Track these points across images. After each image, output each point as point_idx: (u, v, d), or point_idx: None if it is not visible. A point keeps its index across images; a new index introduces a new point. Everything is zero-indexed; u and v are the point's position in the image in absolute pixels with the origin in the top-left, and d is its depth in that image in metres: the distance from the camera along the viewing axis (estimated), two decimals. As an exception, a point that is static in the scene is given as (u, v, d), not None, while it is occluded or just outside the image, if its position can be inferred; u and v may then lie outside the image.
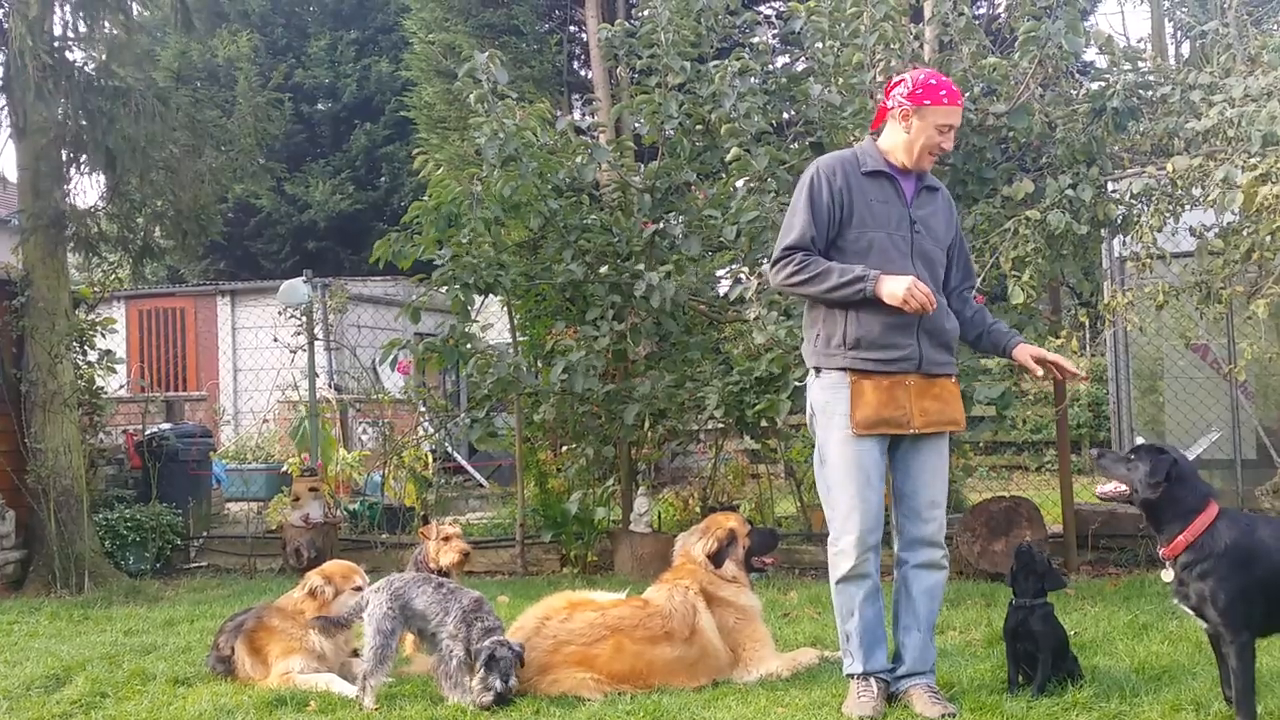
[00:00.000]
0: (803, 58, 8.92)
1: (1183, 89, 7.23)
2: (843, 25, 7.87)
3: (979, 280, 7.15)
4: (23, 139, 8.97)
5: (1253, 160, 6.41)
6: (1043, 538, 8.00)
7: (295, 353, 10.74)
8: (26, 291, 8.92)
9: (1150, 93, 7.47)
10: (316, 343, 10.92)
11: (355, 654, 5.46)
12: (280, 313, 11.38)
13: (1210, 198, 6.52)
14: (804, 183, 4.73)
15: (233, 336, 17.58)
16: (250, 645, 5.53)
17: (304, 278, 11.50)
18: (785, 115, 8.58)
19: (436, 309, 9.21)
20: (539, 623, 5.17)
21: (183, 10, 9.34)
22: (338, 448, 11.47)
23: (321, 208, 23.07)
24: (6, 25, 8.58)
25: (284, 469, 10.96)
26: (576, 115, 17.35)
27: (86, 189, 28.71)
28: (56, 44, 8.83)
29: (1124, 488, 4.30)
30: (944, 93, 4.64)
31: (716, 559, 5.43)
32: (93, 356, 9.59)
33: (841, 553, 4.63)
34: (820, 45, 8.05)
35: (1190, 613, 4.26)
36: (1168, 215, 6.90)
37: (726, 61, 8.00)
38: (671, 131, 8.50)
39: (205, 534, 10.28)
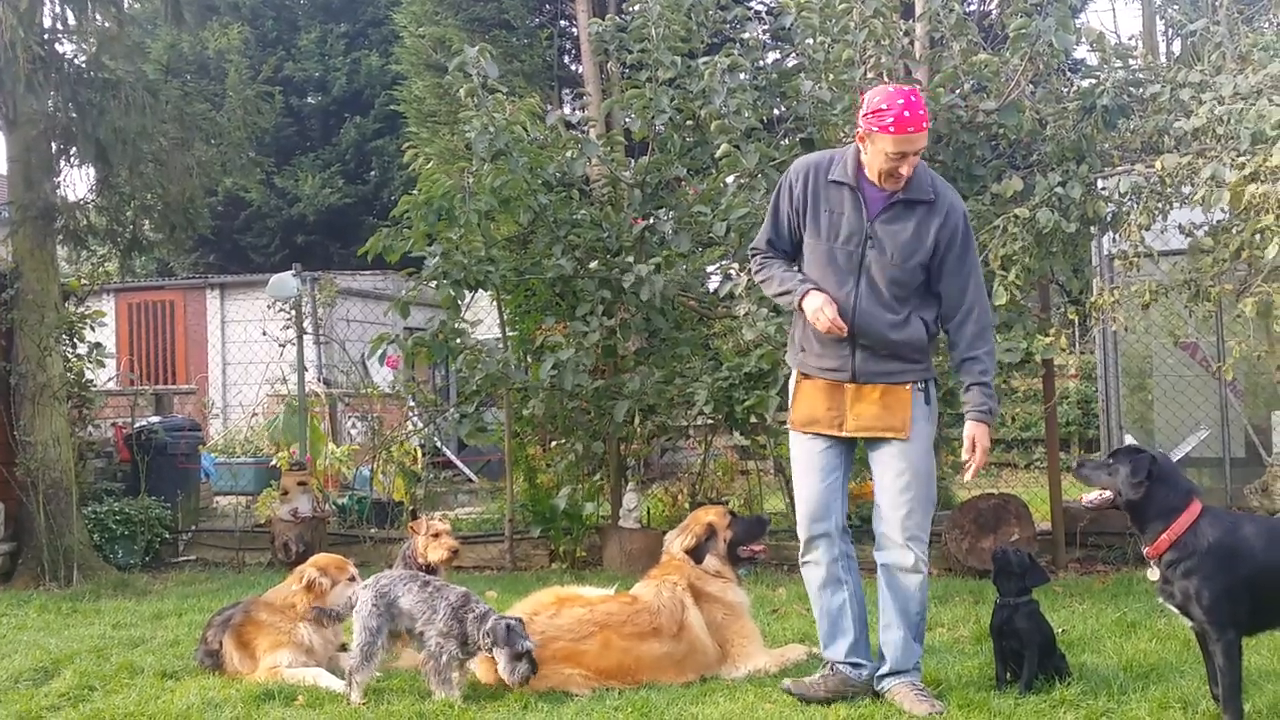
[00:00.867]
0: (793, 54, 8.93)
1: (1173, 87, 7.25)
2: (833, 21, 7.86)
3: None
4: (13, 130, 8.95)
5: (1241, 159, 6.42)
6: (1031, 535, 8.02)
7: (284, 346, 10.72)
8: (15, 284, 8.89)
9: (1140, 90, 7.49)
10: (306, 337, 10.90)
11: (343, 648, 5.46)
12: (269, 306, 11.37)
13: (1198, 195, 6.53)
14: (778, 184, 4.90)
15: (222, 330, 17.54)
16: (238, 639, 5.52)
17: (293, 271, 11.48)
18: (775, 111, 8.59)
19: (426, 304, 9.20)
20: (527, 618, 5.15)
21: (173, 3, 9.30)
22: (326, 442, 11.46)
23: (311, 201, 23.02)
24: (-4, 17, 8.54)
25: (273, 463, 10.93)
26: (567, 110, 17.36)
27: (76, 181, 28.58)
28: (46, 36, 8.79)
29: (1109, 494, 4.31)
30: (891, 120, 4.46)
31: (696, 554, 5.45)
32: (82, 349, 9.57)
33: (800, 540, 4.85)
34: (811, 41, 8.05)
35: (1176, 611, 4.28)
36: (1157, 213, 6.92)
37: (717, 57, 8.00)
38: (662, 127, 8.50)
39: (194, 528, 10.26)
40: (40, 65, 8.42)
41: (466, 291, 8.59)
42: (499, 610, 5.24)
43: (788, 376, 6.30)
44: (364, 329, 14.53)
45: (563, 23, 18.13)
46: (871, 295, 4.65)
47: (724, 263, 8.51)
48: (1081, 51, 9.52)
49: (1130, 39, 13.05)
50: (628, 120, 9.09)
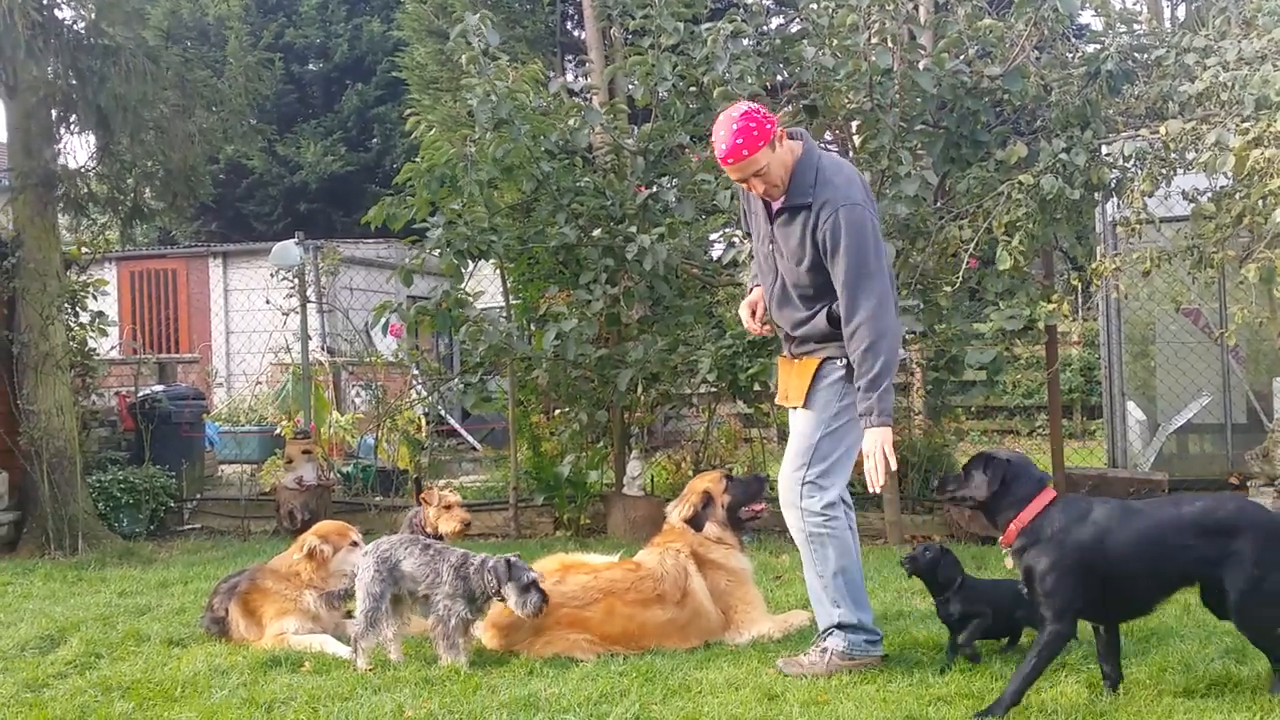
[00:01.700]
0: (797, 19, 8.87)
1: (1177, 52, 7.21)
2: (837, -14, 7.81)
3: (972, 245, 7.17)
4: (13, 98, 8.91)
5: (1245, 124, 6.39)
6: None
7: (288, 315, 10.72)
8: (17, 252, 8.89)
9: (1145, 56, 7.45)
10: (309, 305, 10.90)
11: (349, 615, 5.49)
12: (272, 275, 11.35)
13: (1203, 160, 6.51)
14: None
15: (225, 298, 17.54)
16: (244, 607, 5.56)
17: (296, 240, 11.46)
18: (779, 78, 8.54)
19: (429, 272, 9.20)
20: (532, 585, 5.20)
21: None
22: (331, 410, 11.48)
23: (313, 169, 22.96)
24: (-6, -17, 8.50)
25: (277, 431, 10.96)
26: (569, 76, 17.27)
27: (76, 149, 28.49)
28: (46, 1, 8.74)
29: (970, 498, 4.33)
30: (714, 151, 4.70)
31: (696, 523, 5.48)
32: (85, 318, 9.59)
33: None
34: (814, 7, 7.99)
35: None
36: (1161, 179, 6.89)
37: (720, 23, 7.95)
38: (665, 94, 8.46)
39: (199, 496, 10.30)
40: (39, 31, 8.38)
41: (470, 260, 8.58)
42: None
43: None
44: (367, 297, 14.51)
45: (565, -12, 18.02)
46: (783, 294, 4.86)
47: (727, 230, 8.48)
48: (1086, 16, 9.44)
49: (1135, 4, 12.99)
50: (631, 87, 9.04)
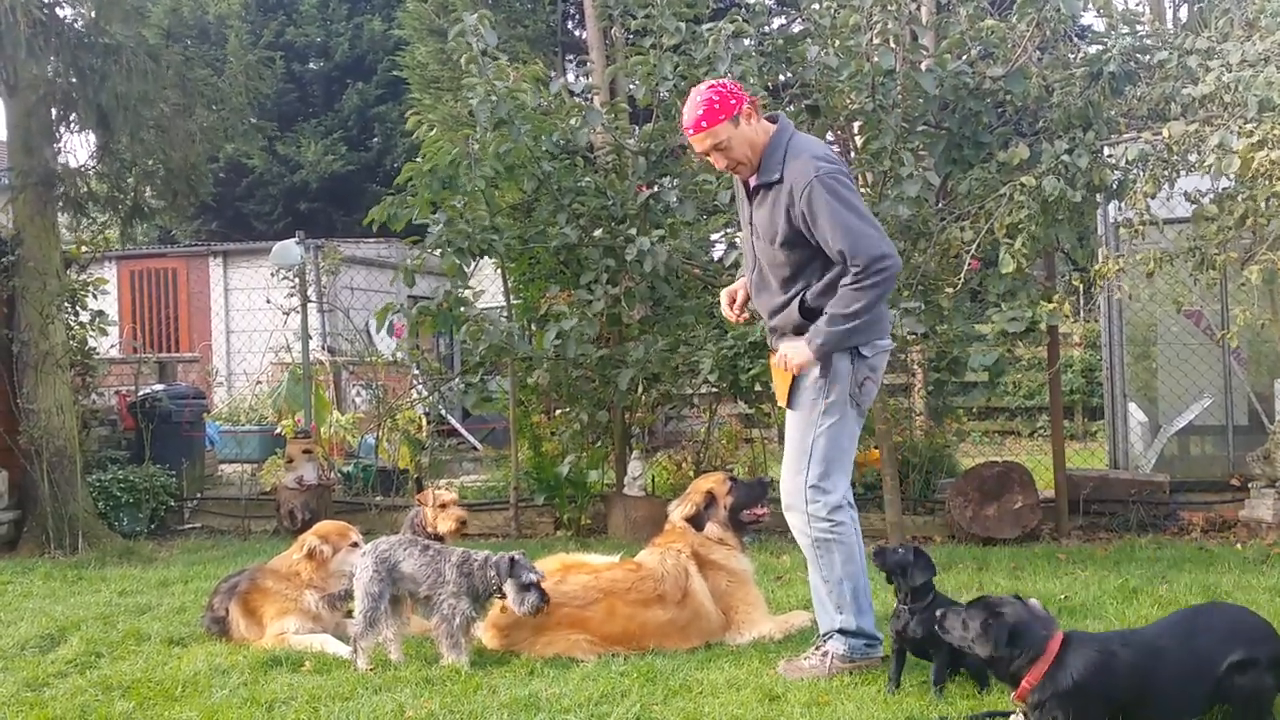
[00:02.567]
0: (799, 19, 8.86)
1: (1180, 53, 7.20)
2: (840, -14, 7.79)
3: (974, 246, 7.15)
4: (13, 96, 8.91)
5: (1249, 126, 6.38)
6: (1034, 502, 8.05)
7: (288, 315, 10.71)
8: (17, 251, 8.88)
9: (1147, 57, 7.44)
10: (310, 305, 10.89)
11: (349, 615, 5.49)
12: (273, 274, 11.35)
13: (1206, 163, 6.50)
14: None
15: (225, 298, 17.54)
16: (245, 606, 5.55)
17: (297, 239, 11.45)
18: (781, 78, 8.53)
19: (431, 272, 9.19)
20: (533, 585, 5.19)
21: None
22: (331, 410, 11.47)
23: (313, 168, 22.95)
24: (-5, -19, 8.49)
25: (278, 431, 10.96)
26: (570, 76, 17.26)
27: (77, 147, 28.47)
28: (47, 0, 8.74)
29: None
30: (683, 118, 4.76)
31: (697, 522, 5.47)
32: (85, 317, 9.58)
33: None
34: (817, 7, 7.98)
35: None
36: (1163, 181, 6.89)
37: (722, 23, 7.93)
38: (666, 94, 8.44)
39: (199, 495, 10.29)
40: (40, 30, 8.37)
41: (471, 260, 8.57)
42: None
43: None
44: (368, 297, 14.51)
45: (566, -12, 18.02)
46: (760, 280, 4.85)
47: (728, 231, 8.47)
48: (1089, 18, 9.44)
49: (1137, 5, 12.98)
50: (632, 87, 9.02)
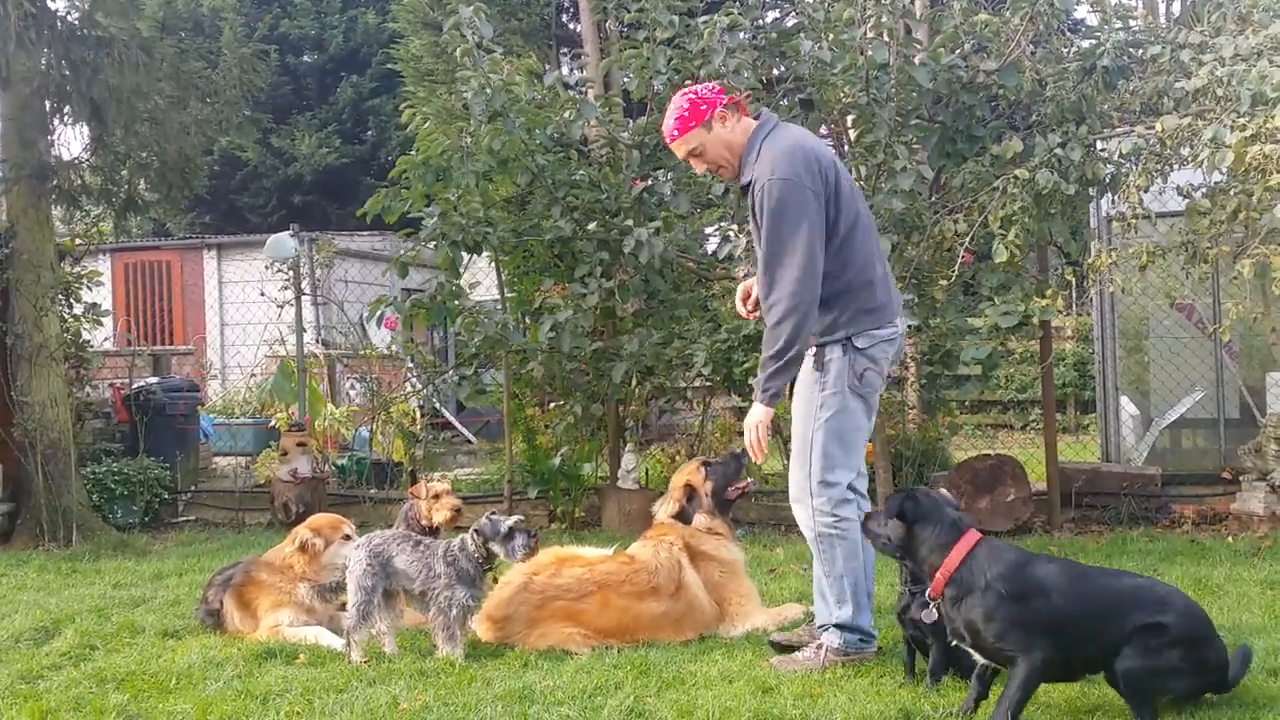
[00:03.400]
0: (793, 13, 8.86)
1: (1173, 48, 7.22)
2: (834, -20, 7.80)
3: (967, 239, 7.17)
4: (6, 89, 8.90)
5: (1242, 120, 6.40)
6: (1027, 495, 8.07)
7: (283, 307, 10.71)
8: (10, 243, 8.88)
9: (1140, 51, 7.46)
10: (304, 297, 10.89)
11: (343, 608, 5.49)
12: (267, 267, 11.34)
13: (1199, 157, 6.52)
14: None
15: (219, 290, 17.53)
16: (239, 599, 5.56)
17: (291, 232, 11.45)
18: (775, 71, 8.53)
19: (424, 264, 9.19)
20: (527, 578, 5.20)
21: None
22: (325, 403, 11.48)
23: (308, 161, 22.93)
24: (-14, -27, 8.47)
25: (272, 424, 10.96)
26: (565, 69, 17.25)
27: (70, 140, 28.44)
28: (38, -7, 8.73)
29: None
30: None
31: (683, 517, 5.50)
32: (79, 309, 9.57)
33: None
34: (811, 1, 7.99)
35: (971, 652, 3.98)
36: (1156, 175, 6.91)
37: (716, 16, 7.93)
38: (660, 87, 8.43)
39: (193, 488, 10.29)
40: (32, 22, 8.36)
41: (465, 253, 8.57)
42: (499, 574, 5.30)
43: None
44: (362, 290, 14.51)
45: (560, -19, 18.00)
46: (760, 278, 4.77)
47: (723, 224, 8.48)
48: (1082, 12, 9.47)
49: (1131, -1, 12.98)
50: (626, 80, 9.03)
